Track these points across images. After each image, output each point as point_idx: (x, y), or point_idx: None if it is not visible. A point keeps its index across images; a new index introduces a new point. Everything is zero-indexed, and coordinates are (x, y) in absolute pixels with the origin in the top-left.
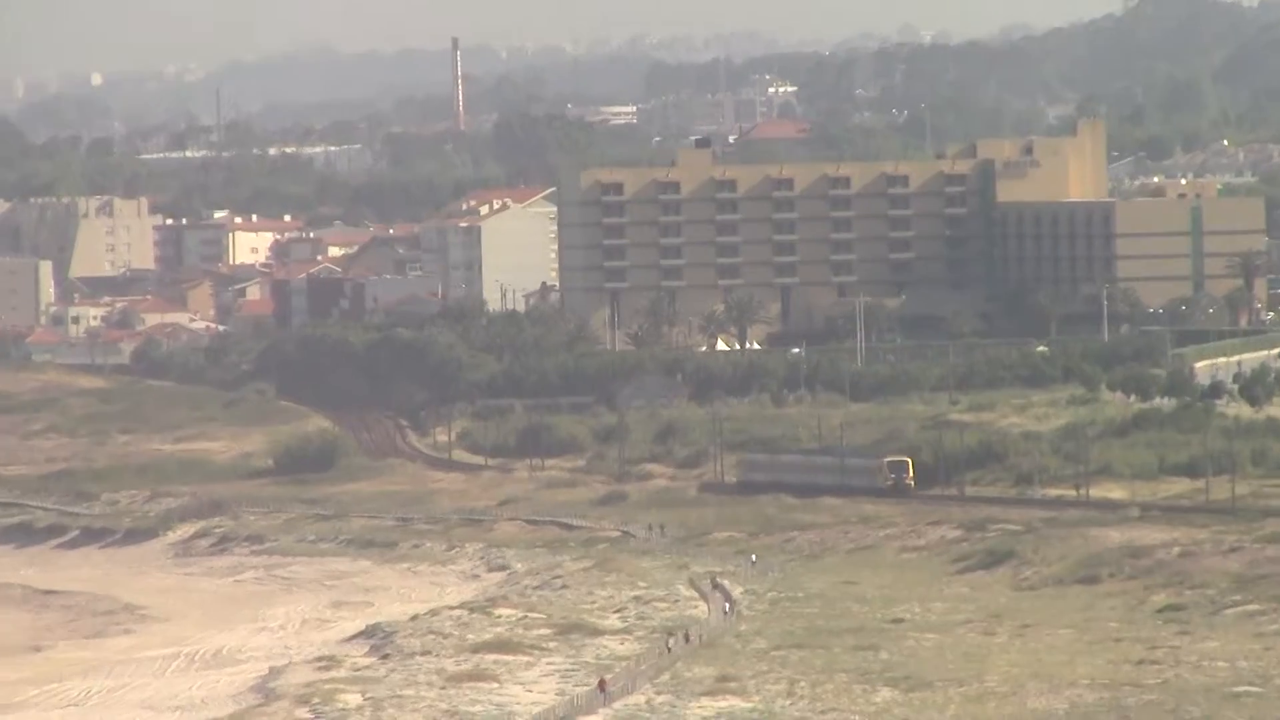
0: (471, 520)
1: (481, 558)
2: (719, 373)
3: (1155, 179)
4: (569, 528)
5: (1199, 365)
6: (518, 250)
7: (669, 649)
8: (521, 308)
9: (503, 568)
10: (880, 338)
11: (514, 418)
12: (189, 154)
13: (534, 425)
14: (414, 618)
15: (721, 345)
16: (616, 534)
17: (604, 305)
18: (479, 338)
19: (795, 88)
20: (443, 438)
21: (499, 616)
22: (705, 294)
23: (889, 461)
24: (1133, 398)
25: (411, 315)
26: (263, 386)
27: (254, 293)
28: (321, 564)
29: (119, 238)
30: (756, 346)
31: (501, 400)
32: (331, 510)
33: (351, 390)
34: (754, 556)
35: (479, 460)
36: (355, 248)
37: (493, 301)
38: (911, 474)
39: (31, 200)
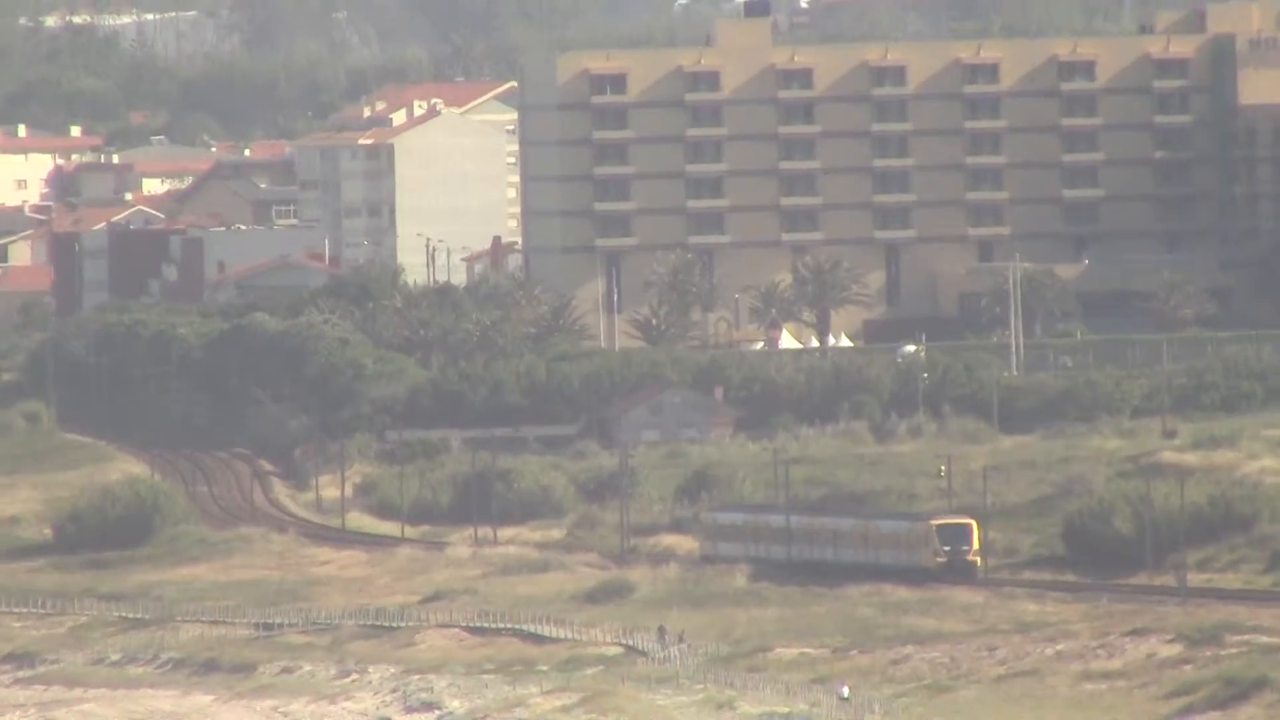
0: (378, 628)
1: (394, 690)
2: (785, 386)
3: None
4: (538, 639)
5: None
6: (454, 184)
7: None
8: (461, 279)
9: (429, 708)
10: (1050, 328)
11: (449, 460)
12: None
13: (482, 472)
14: None
15: (788, 340)
16: (616, 650)
17: (595, 275)
18: (391, 328)
19: None
20: (332, 492)
21: None
22: (762, 257)
23: (941, 527)
24: None
25: (280, 292)
26: (34, 408)
27: (19, 254)
28: (131, 700)
29: None
30: (846, 343)
31: (428, 431)
32: (148, 612)
33: (182, 415)
34: (844, 689)
35: (390, 529)
36: (187, 180)
37: (413, 269)
38: (977, 545)
39: None
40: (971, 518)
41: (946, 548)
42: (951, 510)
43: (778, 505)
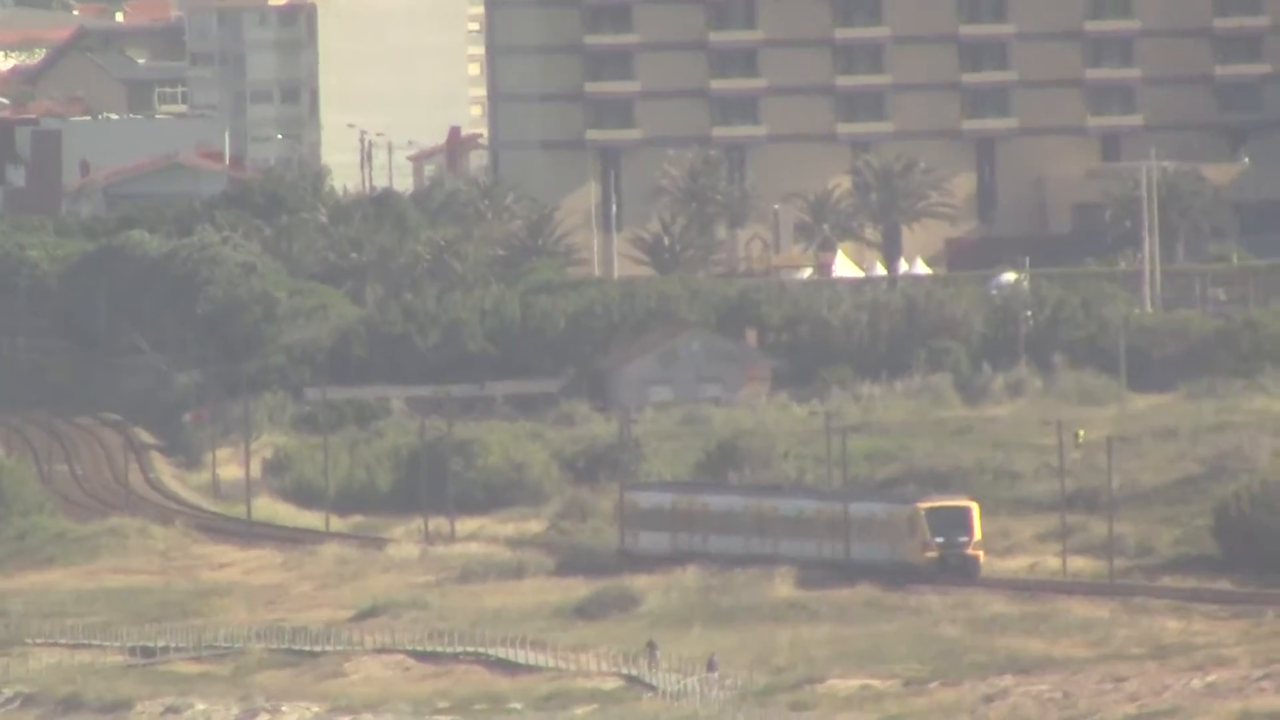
0: (296, 653)
1: None
2: (840, 328)
3: None
4: (510, 668)
5: None
6: (397, 60)
7: None
8: (407, 185)
9: None
10: (1197, 251)
11: (389, 427)
12: None
13: (433, 444)
14: None
15: (845, 267)
16: (614, 682)
17: (586, 179)
18: (312, 251)
19: None
20: (233, 471)
21: None
22: (810, 155)
23: (932, 512)
24: None
25: (164, 202)
26: None
27: None
28: None
29: None
30: (923, 270)
31: (362, 389)
32: None
33: (32, 367)
34: None
35: (311, 520)
36: (40, 53)
37: (342, 171)
38: (977, 535)
39: None
40: (971, 500)
41: (939, 539)
42: (947, 491)
43: (716, 483)
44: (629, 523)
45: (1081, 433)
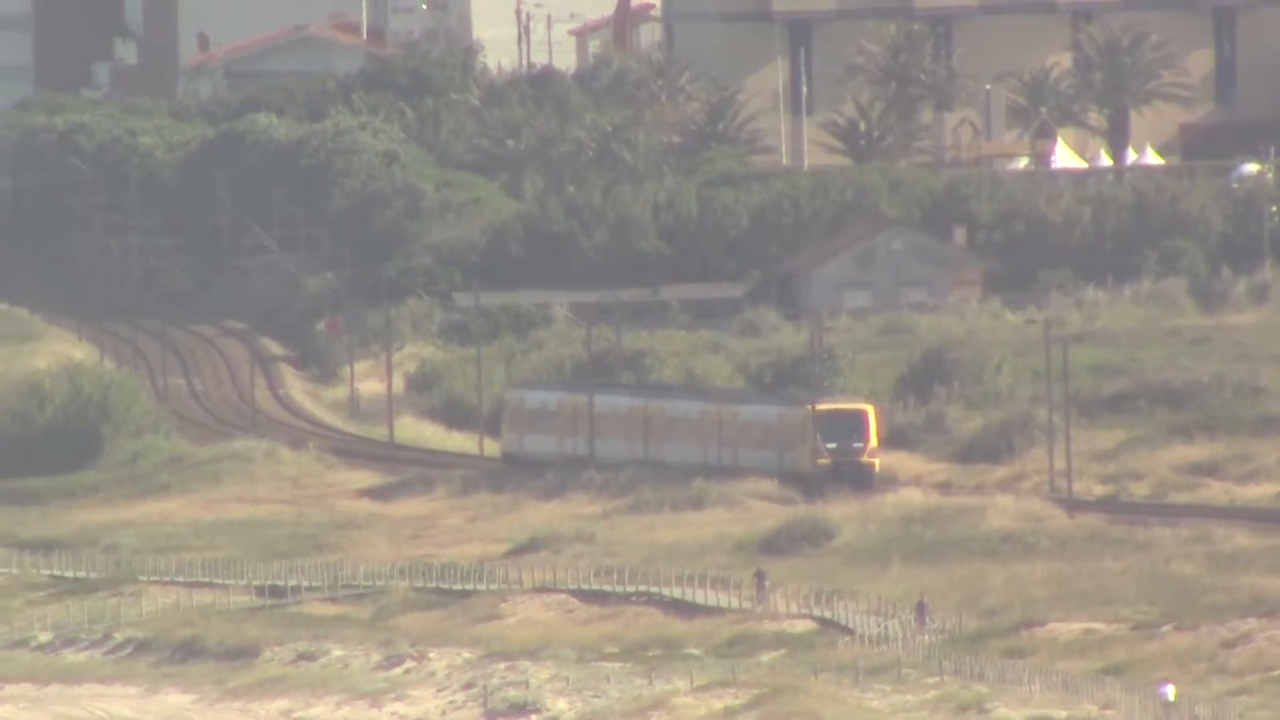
0: (445, 593)
1: (469, 685)
2: (1060, 225)
3: None
4: (687, 610)
5: None
6: None
7: None
8: (570, 63)
9: (522, 711)
10: None
11: (550, 337)
12: None
13: (601, 356)
14: None
15: (1065, 156)
16: (805, 625)
17: (773, 55)
18: (462, 138)
19: None
20: (373, 386)
21: None
22: (1026, 27)
23: (823, 415)
24: None
25: (294, 81)
26: None
27: None
28: (68, 701)
29: None
30: (1154, 160)
31: (519, 293)
32: (95, 569)
33: (145, 270)
34: (1168, 689)
35: (463, 443)
36: None
37: (497, 48)
38: (873, 441)
39: None
40: (866, 402)
41: (831, 445)
42: (841, 393)
43: (604, 382)
44: (513, 426)
45: None
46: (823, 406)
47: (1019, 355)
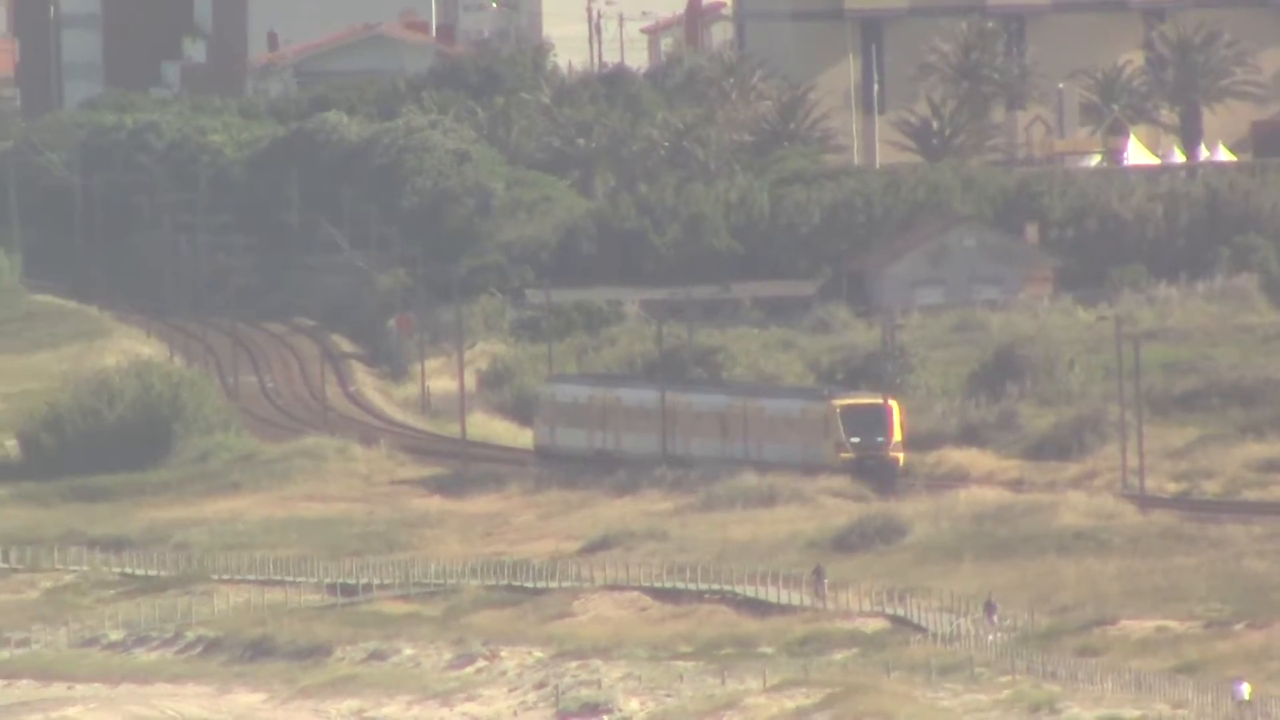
0: (517, 590)
1: (540, 685)
2: (1132, 222)
3: None
4: (760, 608)
5: None
6: None
7: None
8: (642, 61)
9: (594, 711)
10: None
11: (621, 334)
12: None
13: (672, 353)
14: None
15: (1138, 153)
16: (878, 624)
17: (845, 53)
18: (533, 136)
19: None
20: (445, 384)
21: None
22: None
23: (848, 410)
24: None
25: (364, 80)
26: None
27: None
28: (139, 701)
29: None
30: (1226, 157)
31: (590, 291)
32: (166, 567)
33: (215, 268)
34: (1243, 688)
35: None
36: None
37: (568, 46)
38: (897, 435)
39: None
40: (891, 398)
41: (855, 439)
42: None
43: (633, 376)
44: (546, 419)
45: None
46: (846, 401)
47: (1091, 352)
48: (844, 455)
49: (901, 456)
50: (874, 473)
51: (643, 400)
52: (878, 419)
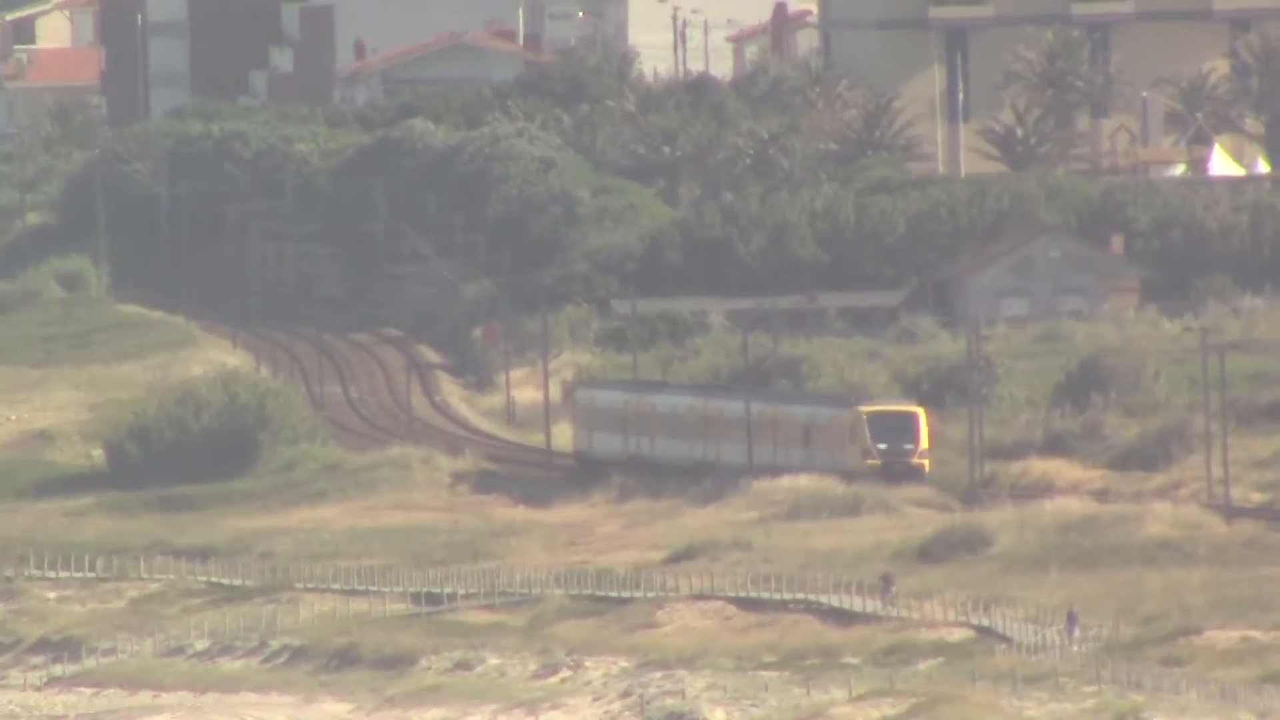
0: (602, 600)
1: (625, 694)
2: (1217, 232)
3: None
4: (844, 618)
5: None
6: None
7: None
8: (727, 70)
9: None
10: None
11: (706, 344)
12: None
13: (758, 363)
14: None
15: (1223, 163)
16: (963, 634)
17: (930, 62)
18: (619, 145)
19: None
20: (530, 394)
21: None
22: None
23: (875, 416)
24: None
25: (450, 88)
26: (75, 266)
27: (53, 30)
28: (225, 709)
29: None
30: None
31: (675, 301)
32: (251, 576)
33: (301, 277)
34: None
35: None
36: None
37: (653, 54)
38: (924, 443)
39: None
40: (918, 405)
41: (882, 445)
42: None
43: (666, 382)
44: (584, 424)
45: None
46: (873, 408)
47: (1176, 363)
48: (870, 462)
49: (927, 463)
50: (900, 479)
51: (676, 405)
52: (905, 426)
